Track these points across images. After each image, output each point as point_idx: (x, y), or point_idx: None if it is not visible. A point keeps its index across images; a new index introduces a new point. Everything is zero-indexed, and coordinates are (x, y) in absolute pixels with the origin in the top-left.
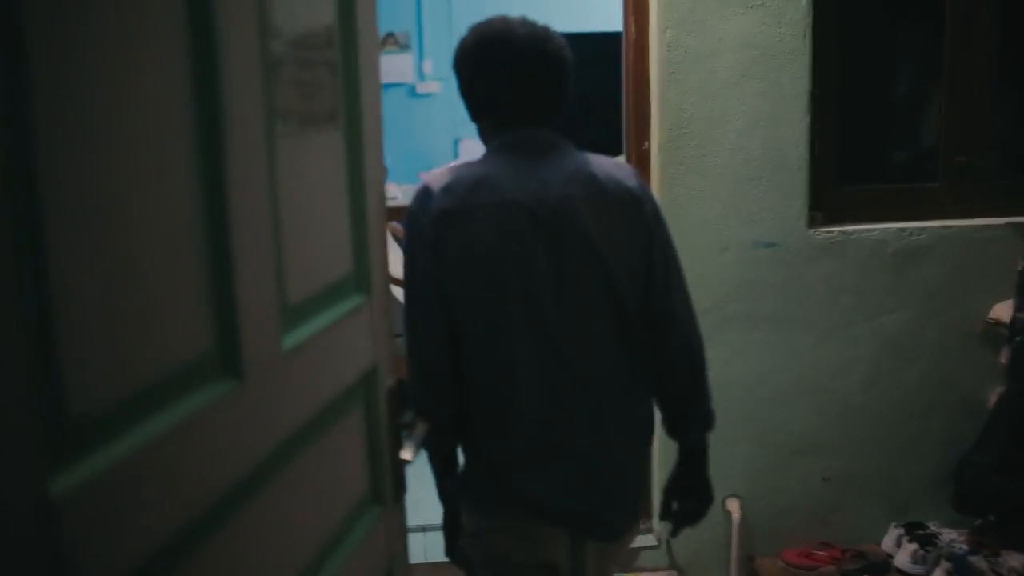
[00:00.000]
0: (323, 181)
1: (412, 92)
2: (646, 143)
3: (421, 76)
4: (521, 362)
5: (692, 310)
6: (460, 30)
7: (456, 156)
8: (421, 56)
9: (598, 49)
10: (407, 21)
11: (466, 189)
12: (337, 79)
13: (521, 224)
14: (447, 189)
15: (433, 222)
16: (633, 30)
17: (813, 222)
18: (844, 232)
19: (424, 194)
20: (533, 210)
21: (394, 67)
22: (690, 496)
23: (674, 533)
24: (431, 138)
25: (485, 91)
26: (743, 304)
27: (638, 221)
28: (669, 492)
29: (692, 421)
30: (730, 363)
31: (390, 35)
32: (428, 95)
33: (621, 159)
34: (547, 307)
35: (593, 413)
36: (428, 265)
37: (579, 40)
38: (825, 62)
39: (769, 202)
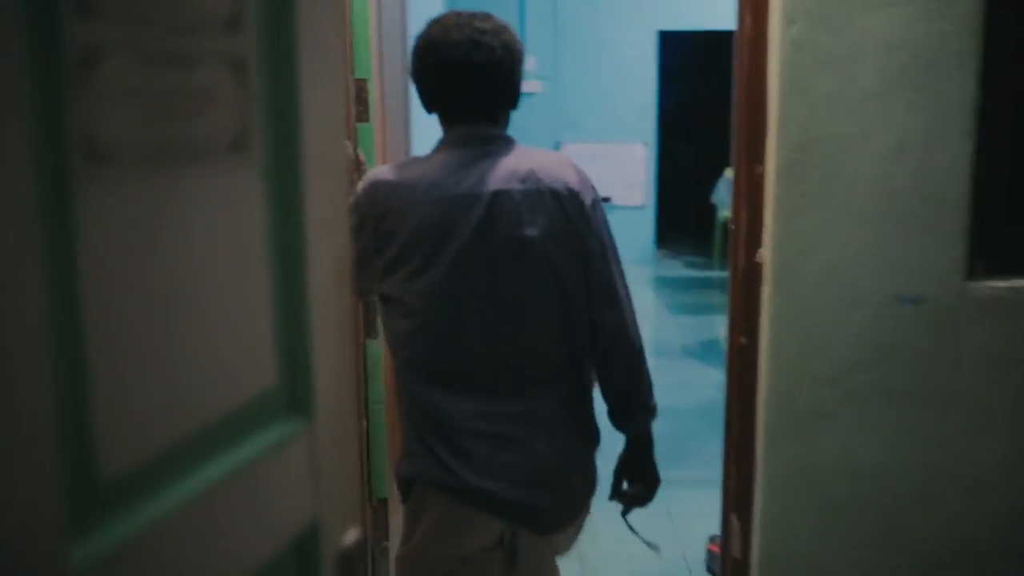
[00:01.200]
0: (211, 246)
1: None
2: (760, 166)
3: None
4: (454, 348)
5: (630, 304)
6: (567, 23)
7: None
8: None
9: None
10: (509, 13)
11: (409, 184)
12: (247, 85)
13: (458, 218)
14: (391, 184)
15: (377, 216)
16: (749, 24)
17: (973, 273)
18: (1014, 288)
19: (371, 188)
20: (470, 204)
21: None
22: (638, 480)
23: (624, 513)
24: (532, 141)
25: (426, 90)
26: (876, 375)
27: (576, 213)
28: (618, 474)
29: (633, 413)
30: (854, 447)
31: None
32: (529, 95)
33: (562, 154)
34: (483, 298)
35: (529, 403)
36: (369, 251)
37: (698, 39)
38: (999, 69)
39: (916, 246)
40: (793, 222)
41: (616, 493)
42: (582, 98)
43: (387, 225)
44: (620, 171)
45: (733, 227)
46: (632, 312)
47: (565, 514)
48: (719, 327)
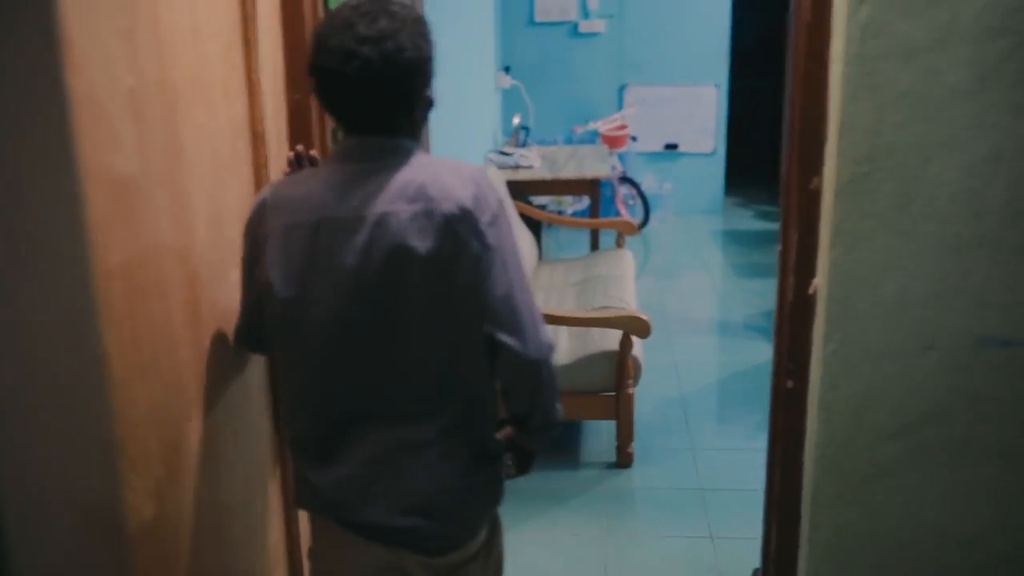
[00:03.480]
0: None
1: (574, 31)
2: (816, 179)
3: (585, 13)
4: (332, 378)
5: (534, 322)
6: None
7: (620, 106)
8: None
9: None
10: None
11: (293, 203)
12: None
13: (339, 242)
14: (276, 203)
15: (261, 236)
16: (807, 5)
17: None
18: None
19: (260, 206)
20: (353, 227)
21: (555, 3)
22: (519, 463)
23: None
24: (594, 84)
25: (318, 95)
26: (954, 428)
27: (468, 233)
28: (506, 447)
29: (532, 434)
30: (922, 512)
31: None
32: (592, 35)
33: (467, 163)
34: (360, 320)
35: (411, 429)
36: (248, 262)
37: None
38: None
39: (1008, 278)
40: (856, 248)
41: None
42: (649, 37)
43: (268, 249)
44: (689, 116)
45: (781, 252)
46: (536, 331)
47: (457, 535)
48: None
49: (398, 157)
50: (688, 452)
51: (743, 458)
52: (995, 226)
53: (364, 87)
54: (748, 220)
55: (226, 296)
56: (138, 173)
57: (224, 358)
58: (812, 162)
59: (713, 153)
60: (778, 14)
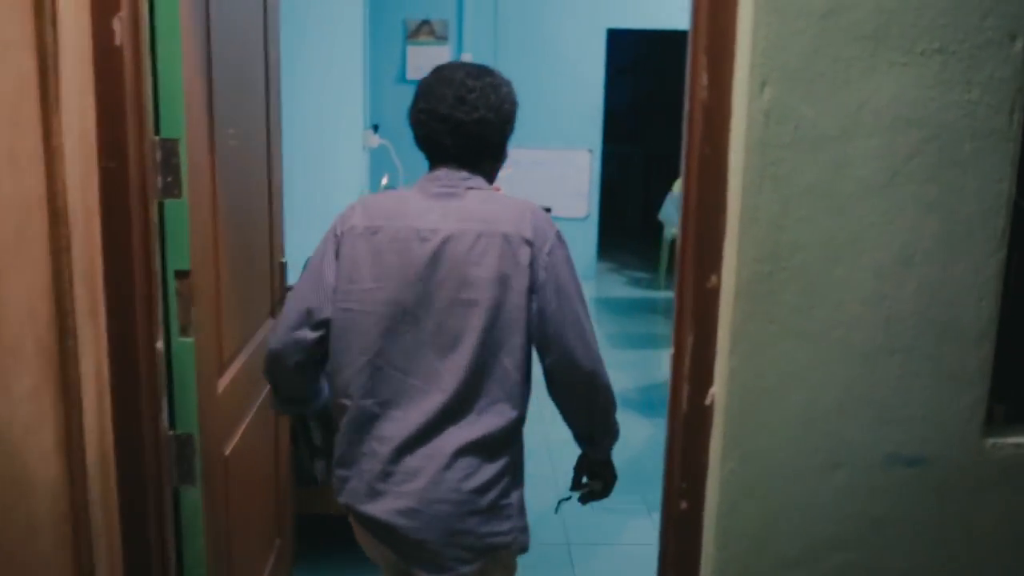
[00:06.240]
0: None
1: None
2: (714, 278)
3: None
4: (384, 371)
5: (588, 339)
6: (508, 19)
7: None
8: (460, 49)
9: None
10: (446, 8)
11: (381, 211)
12: None
13: (411, 249)
14: (366, 209)
15: (344, 233)
16: (704, 84)
17: (992, 427)
18: None
19: (350, 209)
20: (425, 238)
21: (427, 60)
22: (597, 477)
23: (583, 502)
24: None
25: (416, 134)
26: (859, 555)
27: (528, 259)
28: (578, 469)
29: (595, 442)
30: None
31: (425, 23)
32: None
33: (531, 202)
34: (417, 330)
35: (442, 440)
36: (330, 266)
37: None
38: None
39: (920, 390)
40: (757, 354)
41: (576, 486)
42: (523, 98)
43: (348, 244)
44: (562, 180)
45: (674, 356)
46: (588, 345)
47: (457, 556)
48: (663, 366)
49: (474, 190)
50: (563, 547)
51: (624, 554)
52: (907, 334)
53: (467, 129)
54: (621, 287)
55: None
56: None
57: None
58: (709, 260)
59: (586, 217)
60: (649, 79)
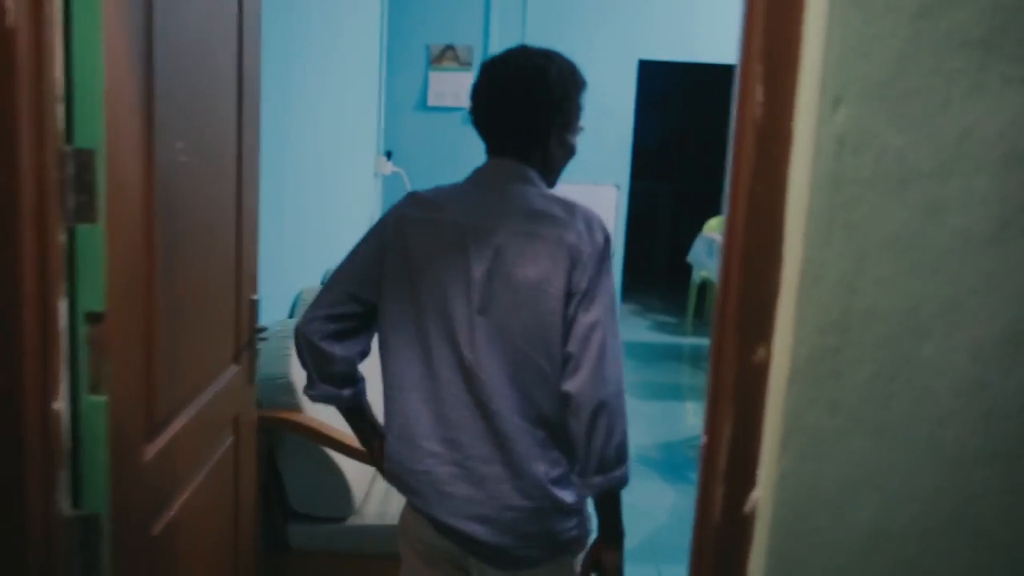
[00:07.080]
0: None
1: (468, 118)
2: (761, 349)
3: None
4: (430, 365)
5: (607, 361)
6: (536, 46)
7: None
8: None
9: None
10: (471, 34)
11: (430, 204)
12: None
13: (461, 243)
14: (417, 200)
15: (394, 221)
16: (760, 98)
17: None
18: None
19: (404, 199)
20: (475, 234)
21: (450, 87)
22: (608, 549)
23: None
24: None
25: (474, 121)
26: None
27: (572, 263)
28: (585, 567)
29: (588, 476)
30: None
31: (449, 48)
32: None
33: (584, 205)
34: (462, 324)
35: (498, 438)
36: (374, 250)
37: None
38: None
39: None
40: (815, 454)
41: (593, 567)
42: None
43: (399, 233)
44: None
45: (705, 448)
46: (604, 369)
47: (529, 554)
48: (687, 420)
49: (523, 184)
50: None
51: None
52: (1012, 434)
53: (511, 116)
54: (644, 332)
55: None
56: None
57: None
58: (757, 325)
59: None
60: (679, 114)
